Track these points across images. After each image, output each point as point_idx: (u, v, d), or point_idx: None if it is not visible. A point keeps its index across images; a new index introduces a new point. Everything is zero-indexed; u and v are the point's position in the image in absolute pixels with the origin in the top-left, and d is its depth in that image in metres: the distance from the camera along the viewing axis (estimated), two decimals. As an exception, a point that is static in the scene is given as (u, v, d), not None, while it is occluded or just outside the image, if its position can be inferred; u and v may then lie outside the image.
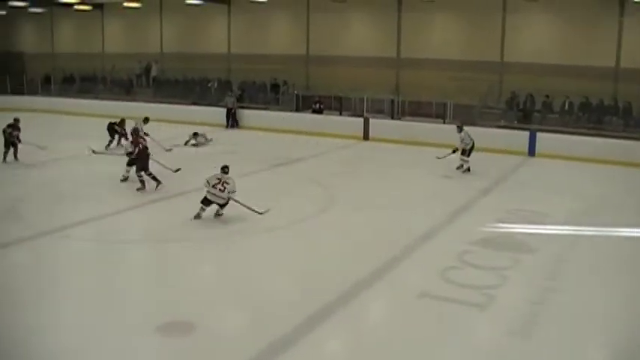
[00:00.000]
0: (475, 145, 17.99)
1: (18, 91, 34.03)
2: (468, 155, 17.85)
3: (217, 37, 32.97)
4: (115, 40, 37.54)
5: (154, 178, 15.19)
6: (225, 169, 12.61)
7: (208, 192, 12.51)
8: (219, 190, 12.40)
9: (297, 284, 9.85)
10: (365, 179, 17.27)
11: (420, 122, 23.74)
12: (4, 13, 38.56)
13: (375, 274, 10.00)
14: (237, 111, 27.05)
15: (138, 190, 15.01)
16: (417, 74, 25.92)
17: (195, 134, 21.94)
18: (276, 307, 8.75)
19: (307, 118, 25.98)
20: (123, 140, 20.13)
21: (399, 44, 27.39)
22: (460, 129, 18.13)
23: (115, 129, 20.88)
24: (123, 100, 31.23)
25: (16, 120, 18.82)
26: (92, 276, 10.22)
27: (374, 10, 27.63)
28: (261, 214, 12.59)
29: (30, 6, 35.65)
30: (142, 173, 15.15)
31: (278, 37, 31.01)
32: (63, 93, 34.12)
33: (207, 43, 33.35)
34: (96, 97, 31.98)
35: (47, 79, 35.72)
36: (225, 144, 22.23)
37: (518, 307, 8.93)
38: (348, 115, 25.57)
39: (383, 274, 10.08)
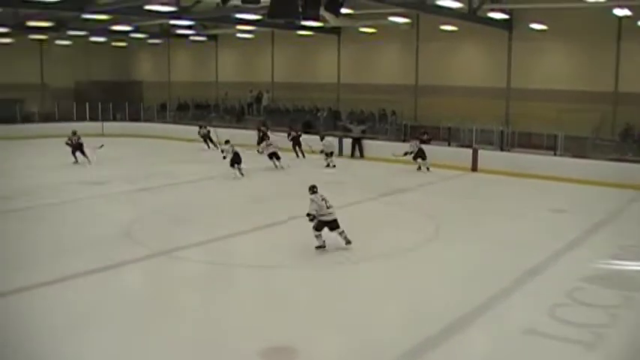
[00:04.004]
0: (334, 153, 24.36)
1: (135, 117, 35.77)
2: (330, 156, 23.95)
3: (327, 67, 33.48)
4: (227, 69, 38.92)
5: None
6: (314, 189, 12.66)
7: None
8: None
9: (401, 316, 9.85)
10: (472, 211, 17.03)
11: (530, 154, 23.27)
12: (124, 44, 40.77)
13: (481, 308, 9.90)
14: (362, 141, 26.72)
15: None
16: (527, 105, 25.49)
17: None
18: (378, 338, 8.79)
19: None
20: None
21: (509, 74, 26.97)
22: (321, 138, 24.42)
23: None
24: (234, 127, 32.28)
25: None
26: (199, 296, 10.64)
27: (484, 39, 27.32)
28: None
29: (148, 38, 37.45)
30: None
31: (387, 67, 31.14)
32: (177, 120, 35.55)
33: (317, 72, 33.99)
34: (209, 124, 32.84)
35: (163, 107, 37.44)
36: (336, 173, 22.59)
37: (628, 347, 8.64)
38: (457, 146, 25.38)
39: (489, 309, 9.95)
